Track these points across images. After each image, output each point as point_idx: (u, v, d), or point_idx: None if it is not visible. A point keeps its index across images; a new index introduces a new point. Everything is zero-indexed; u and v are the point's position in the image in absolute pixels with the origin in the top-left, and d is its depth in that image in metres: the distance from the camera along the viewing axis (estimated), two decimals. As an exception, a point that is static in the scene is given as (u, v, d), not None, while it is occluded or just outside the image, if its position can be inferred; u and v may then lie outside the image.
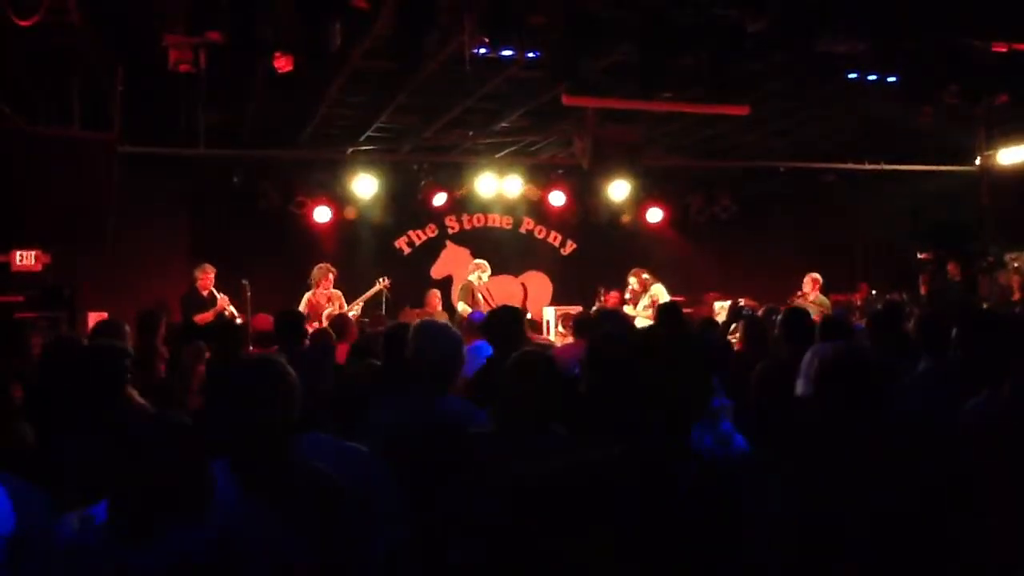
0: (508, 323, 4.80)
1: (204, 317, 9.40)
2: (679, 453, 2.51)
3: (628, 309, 11.01)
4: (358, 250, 12.39)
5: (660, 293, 10.85)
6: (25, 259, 9.31)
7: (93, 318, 9.24)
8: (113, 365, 3.77)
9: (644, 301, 10.92)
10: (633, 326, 6.95)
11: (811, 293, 11.01)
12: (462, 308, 10.32)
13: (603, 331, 4.59)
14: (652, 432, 2.52)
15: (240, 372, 2.64)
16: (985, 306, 10.71)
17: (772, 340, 5.97)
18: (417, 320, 4.79)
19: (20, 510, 2.57)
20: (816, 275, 11.23)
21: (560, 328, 10.43)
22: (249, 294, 9.85)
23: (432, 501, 3.02)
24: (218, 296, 9.53)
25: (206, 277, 9.68)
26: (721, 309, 11.41)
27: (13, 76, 7.68)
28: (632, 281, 11.25)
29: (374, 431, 3.38)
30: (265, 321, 8.97)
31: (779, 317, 5.74)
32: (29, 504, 2.62)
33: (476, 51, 6.46)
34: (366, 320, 10.10)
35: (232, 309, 9.61)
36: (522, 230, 13.63)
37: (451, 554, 2.88)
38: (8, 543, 2.49)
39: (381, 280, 10.49)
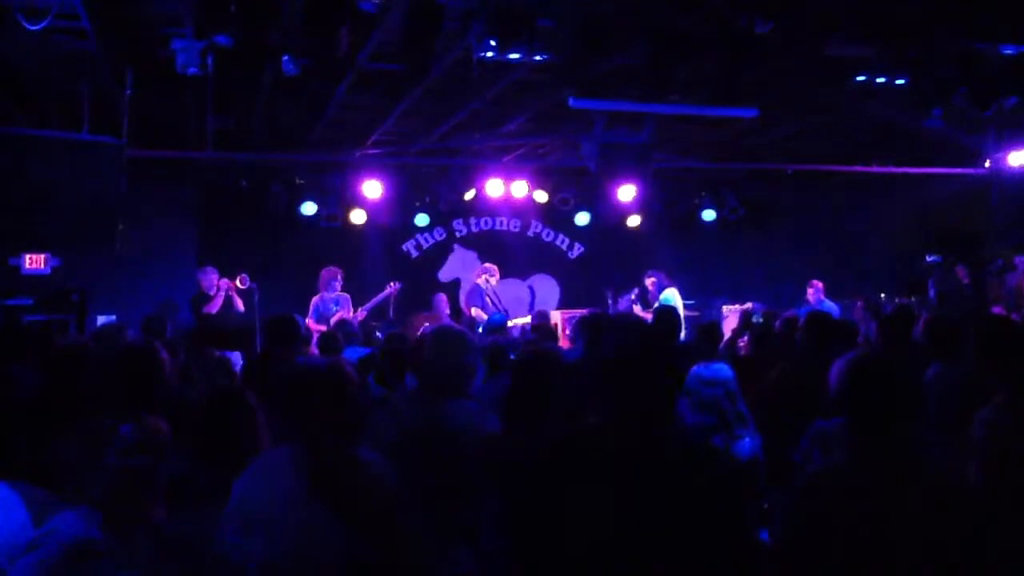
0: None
1: (211, 307, 9.56)
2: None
3: (638, 310, 11.04)
4: (366, 253, 12.40)
5: (672, 297, 10.83)
6: (34, 262, 9.37)
7: (101, 321, 9.29)
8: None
9: (656, 304, 10.90)
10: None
11: (817, 301, 10.93)
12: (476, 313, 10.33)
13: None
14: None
15: (310, 374, 2.71)
16: (996, 310, 10.67)
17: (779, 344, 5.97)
18: (426, 324, 4.81)
19: (37, 520, 2.57)
20: (816, 282, 11.17)
21: (567, 332, 10.40)
22: (257, 297, 9.88)
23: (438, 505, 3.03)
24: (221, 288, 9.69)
25: (206, 279, 9.82)
26: (729, 312, 11.40)
27: (23, 80, 7.71)
28: (647, 283, 11.24)
29: (385, 435, 3.39)
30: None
31: (801, 321, 5.70)
32: (45, 512, 2.63)
33: (484, 54, 6.46)
34: (375, 324, 10.12)
35: (234, 295, 9.73)
36: (529, 233, 13.63)
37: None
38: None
39: (391, 284, 10.50)
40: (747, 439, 4.53)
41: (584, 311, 10.75)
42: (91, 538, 2.38)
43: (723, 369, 4.30)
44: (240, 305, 9.86)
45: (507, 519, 2.75)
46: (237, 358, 8.19)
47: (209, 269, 9.92)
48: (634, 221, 13.49)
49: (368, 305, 10.28)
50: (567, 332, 10.46)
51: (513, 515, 2.53)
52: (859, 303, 10.95)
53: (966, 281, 12.29)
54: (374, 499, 2.58)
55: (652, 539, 2.18)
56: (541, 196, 12.76)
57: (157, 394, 3.85)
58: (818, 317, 5.69)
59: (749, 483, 3.65)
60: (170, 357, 4.14)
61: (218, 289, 9.77)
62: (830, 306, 10.71)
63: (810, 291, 11.12)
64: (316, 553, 2.48)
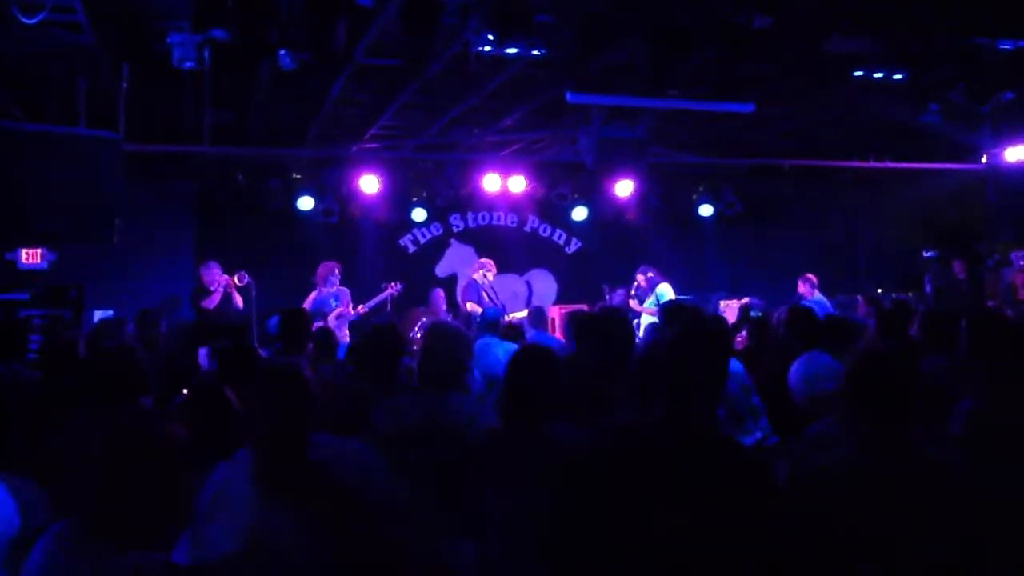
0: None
1: (209, 302, 9.57)
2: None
3: (633, 305, 11.07)
4: (363, 248, 12.39)
5: (666, 292, 10.86)
6: (31, 257, 9.35)
7: (99, 316, 9.29)
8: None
9: (650, 299, 10.93)
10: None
11: (810, 294, 10.92)
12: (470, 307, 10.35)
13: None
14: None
15: (264, 379, 2.67)
16: (991, 305, 10.70)
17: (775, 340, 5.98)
18: (423, 319, 4.82)
19: (24, 510, 2.56)
20: (809, 275, 11.16)
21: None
22: (254, 293, 9.88)
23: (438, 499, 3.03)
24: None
25: (208, 273, 9.79)
26: (726, 307, 11.41)
27: (19, 75, 7.70)
28: (639, 279, 11.27)
29: (382, 429, 3.39)
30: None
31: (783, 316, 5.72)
32: (33, 504, 2.62)
33: (482, 48, 6.45)
34: (373, 319, 10.12)
35: (233, 291, 9.72)
36: (527, 228, 13.63)
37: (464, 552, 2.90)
38: (11, 543, 2.49)
39: (393, 285, 10.50)
40: (759, 433, 4.53)
41: (582, 306, 10.81)
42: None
43: (732, 364, 4.30)
44: (239, 302, 9.85)
45: (527, 515, 2.75)
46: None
47: (211, 264, 9.89)
48: (631, 216, 13.49)
49: (370, 303, 10.28)
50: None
51: (544, 510, 2.53)
52: (860, 299, 10.95)
53: (962, 276, 12.33)
54: (333, 499, 2.54)
55: (691, 538, 2.20)
56: (538, 191, 12.77)
57: (138, 392, 3.84)
58: (802, 312, 5.68)
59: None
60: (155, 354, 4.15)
61: (218, 285, 9.77)
62: (818, 299, 10.68)
63: (803, 285, 11.08)
64: (272, 553, 2.46)
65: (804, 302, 10.33)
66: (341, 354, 6.49)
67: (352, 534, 2.52)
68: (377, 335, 4.35)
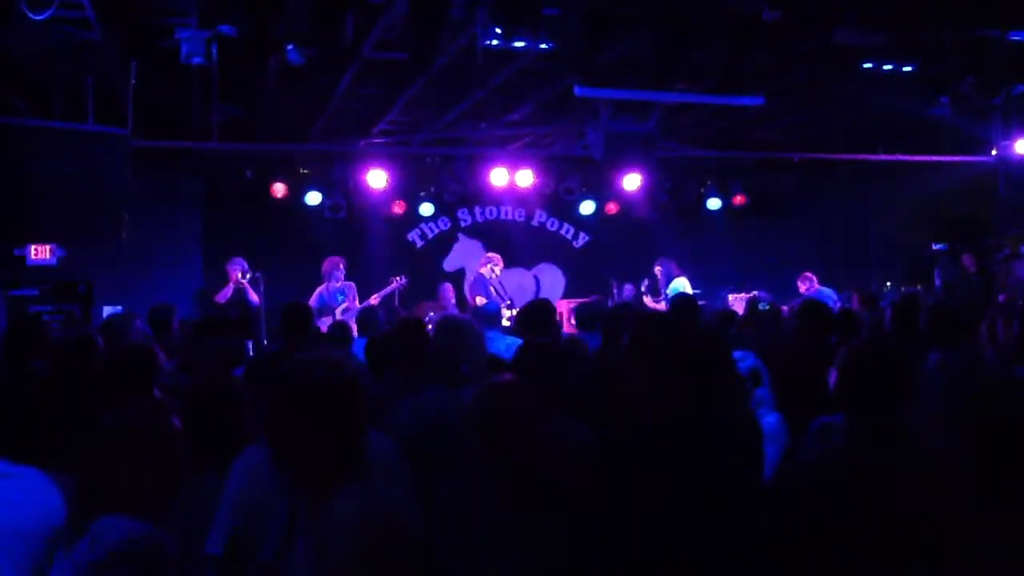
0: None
1: (220, 296, 9.62)
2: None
3: (649, 300, 11.04)
4: (371, 243, 12.39)
5: (681, 285, 10.83)
6: (40, 253, 9.40)
7: (108, 312, 9.32)
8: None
9: (666, 293, 10.91)
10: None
11: (811, 291, 10.86)
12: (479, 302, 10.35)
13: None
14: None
15: (313, 372, 2.32)
16: (1002, 298, 10.66)
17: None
18: (431, 314, 4.82)
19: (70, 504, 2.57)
20: (808, 273, 11.10)
21: (572, 321, 10.38)
22: (262, 287, 9.91)
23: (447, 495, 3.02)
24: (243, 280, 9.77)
25: (231, 269, 9.89)
26: (735, 301, 11.39)
27: (27, 71, 7.71)
28: (656, 271, 11.24)
29: (396, 425, 3.39)
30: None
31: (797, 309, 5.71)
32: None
33: (489, 42, 6.44)
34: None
35: (245, 284, 9.78)
36: (534, 222, 13.61)
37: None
38: (57, 534, 2.49)
39: (397, 279, 10.51)
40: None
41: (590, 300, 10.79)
42: (139, 537, 2.28)
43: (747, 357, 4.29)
44: (254, 297, 9.89)
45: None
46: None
47: (235, 260, 9.98)
48: (639, 210, 13.45)
49: (375, 297, 10.29)
50: (572, 321, 10.46)
51: None
52: (855, 295, 10.88)
53: (972, 270, 12.28)
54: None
55: None
56: (546, 185, 12.75)
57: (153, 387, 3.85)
58: (814, 305, 5.64)
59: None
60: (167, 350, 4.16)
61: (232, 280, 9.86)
62: (827, 293, 10.64)
63: (804, 284, 11.00)
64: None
65: (810, 295, 10.31)
66: (354, 348, 6.48)
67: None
68: (402, 330, 4.33)
